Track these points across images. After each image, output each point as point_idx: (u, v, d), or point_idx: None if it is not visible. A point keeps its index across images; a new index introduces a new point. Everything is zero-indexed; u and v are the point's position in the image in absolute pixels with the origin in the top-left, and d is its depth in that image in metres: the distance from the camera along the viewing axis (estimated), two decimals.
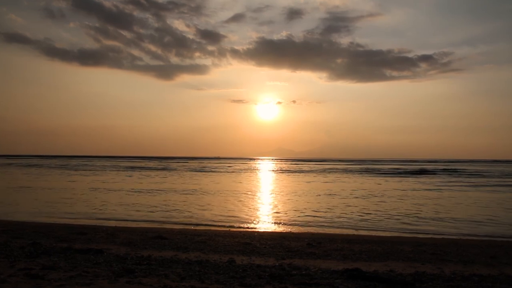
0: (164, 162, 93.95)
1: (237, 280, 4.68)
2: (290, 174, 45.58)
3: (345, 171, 51.61)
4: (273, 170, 53.32)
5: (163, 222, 12.43)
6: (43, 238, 7.95)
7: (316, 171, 52.18)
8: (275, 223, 12.62)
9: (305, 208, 15.76)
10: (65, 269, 5.01)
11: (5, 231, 8.82)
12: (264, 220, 13.33)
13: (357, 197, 20.20)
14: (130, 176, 37.62)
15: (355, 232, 10.97)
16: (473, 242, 9.25)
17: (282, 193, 23.06)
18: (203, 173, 46.09)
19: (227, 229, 11.31)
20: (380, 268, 5.55)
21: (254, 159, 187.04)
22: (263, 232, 10.91)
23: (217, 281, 4.63)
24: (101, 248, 6.65)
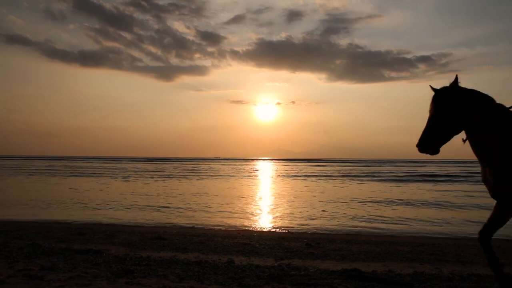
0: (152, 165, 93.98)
1: (236, 280, 4.68)
2: (289, 178, 45.63)
3: (346, 174, 51.39)
4: (271, 175, 53.21)
5: (162, 223, 12.43)
6: (42, 238, 7.94)
7: (316, 175, 52.16)
8: (274, 223, 12.64)
9: (304, 210, 15.78)
10: (64, 269, 5.01)
11: (3, 231, 8.81)
12: (263, 220, 13.34)
13: (356, 200, 20.26)
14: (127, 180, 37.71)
15: (354, 233, 10.99)
16: (472, 242, 9.26)
17: (281, 195, 23.10)
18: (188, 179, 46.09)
19: (226, 229, 11.32)
20: (379, 269, 5.56)
21: (253, 159, 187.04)
22: (262, 232, 10.92)
23: (216, 281, 4.64)
24: (100, 249, 6.65)
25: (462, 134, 3.77)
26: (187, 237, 8.81)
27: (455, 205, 17.45)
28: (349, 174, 47.06)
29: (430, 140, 3.64)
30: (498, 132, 3.60)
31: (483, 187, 3.99)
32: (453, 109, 3.62)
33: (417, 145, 3.66)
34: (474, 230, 11.58)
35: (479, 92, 3.71)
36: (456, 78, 3.66)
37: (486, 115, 3.61)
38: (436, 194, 22.58)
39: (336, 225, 12.25)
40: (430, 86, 3.76)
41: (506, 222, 3.89)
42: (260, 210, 15.87)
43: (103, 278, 4.64)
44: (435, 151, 3.67)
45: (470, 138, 3.73)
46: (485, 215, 3.92)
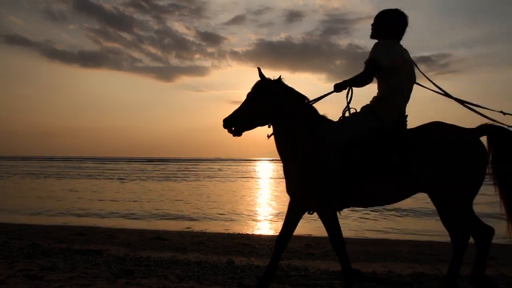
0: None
1: (236, 281, 4.69)
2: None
3: None
4: (271, 176, 53.21)
5: (162, 223, 12.44)
6: (42, 239, 7.94)
7: None
8: (273, 224, 12.65)
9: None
10: (64, 270, 5.02)
11: (3, 231, 8.81)
12: (262, 221, 13.35)
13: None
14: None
15: (353, 234, 10.99)
16: (471, 244, 9.25)
17: (280, 196, 23.11)
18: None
19: (226, 230, 11.32)
20: (378, 269, 5.56)
21: (254, 160, 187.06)
22: (262, 233, 10.93)
23: (216, 282, 4.64)
24: (100, 249, 6.65)
25: (269, 130, 3.97)
26: (187, 238, 8.81)
27: None
28: None
29: (236, 118, 3.84)
30: (297, 132, 3.83)
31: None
32: (267, 101, 3.84)
33: (224, 120, 3.84)
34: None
35: (296, 91, 3.94)
36: (280, 77, 3.91)
37: (292, 114, 3.83)
38: None
39: None
40: (258, 68, 3.94)
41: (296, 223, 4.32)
42: (260, 210, 15.88)
43: (103, 279, 4.64)
44: (237, 132, 3.85)
45: (275, 134, 3.95)
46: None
